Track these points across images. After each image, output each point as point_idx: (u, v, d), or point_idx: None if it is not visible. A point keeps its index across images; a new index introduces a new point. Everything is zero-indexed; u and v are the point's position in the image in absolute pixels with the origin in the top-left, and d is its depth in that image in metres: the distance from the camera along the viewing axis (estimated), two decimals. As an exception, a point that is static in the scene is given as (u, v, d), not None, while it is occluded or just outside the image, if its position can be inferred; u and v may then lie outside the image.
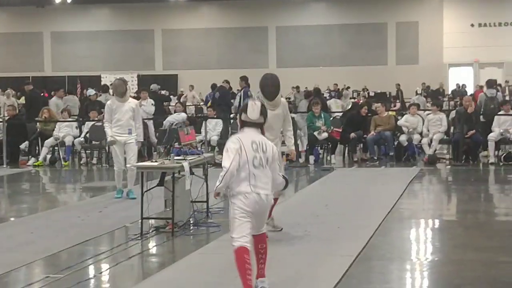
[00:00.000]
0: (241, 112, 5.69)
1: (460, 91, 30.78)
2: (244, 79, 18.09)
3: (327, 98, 25.37)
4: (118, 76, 22.81)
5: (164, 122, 16.46)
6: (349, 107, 20.44)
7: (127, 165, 10.57)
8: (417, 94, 27.85)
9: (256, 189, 5.46)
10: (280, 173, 5.89)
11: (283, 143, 8.27)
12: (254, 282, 5.56)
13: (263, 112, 5.68)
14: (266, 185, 5.54)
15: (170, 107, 22.54)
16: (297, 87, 30.76)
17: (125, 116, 10.45)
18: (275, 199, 7.62)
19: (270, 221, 7.77)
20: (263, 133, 5.70)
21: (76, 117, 18.16)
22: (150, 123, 16.51)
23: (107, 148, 14.94)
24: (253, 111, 5.64)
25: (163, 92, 24.46)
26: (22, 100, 22.26)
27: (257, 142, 5.55)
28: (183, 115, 17.08)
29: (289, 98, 28.71)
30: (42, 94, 20.80)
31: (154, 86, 20.25)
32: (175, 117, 16.61)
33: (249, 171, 5.46)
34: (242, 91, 17.79)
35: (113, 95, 11.41)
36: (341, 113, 18.61)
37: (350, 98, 27.41)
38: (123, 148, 10.58)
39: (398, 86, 31.27)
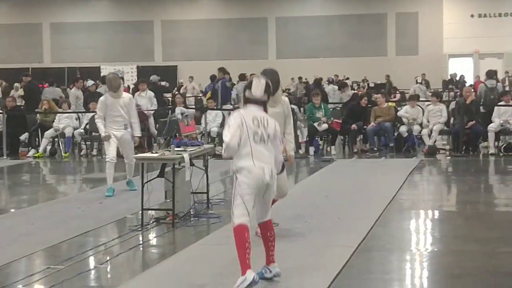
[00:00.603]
0: (245, 89, 5.70)
1: (457, 82, 30.64)
2: (222, 70, 18.48)
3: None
4: (118, 67, 22.84)
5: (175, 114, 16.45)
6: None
7: (125, 161, 10.52)
8: (417, 82, 27.75)
9: (260, 164, 5.47)
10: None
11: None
12: (264, 268, 5.67)
13: (267, 90, 5.68)
14: (269, 159, 5.55)
15: (169, 98, 22.48)
16: (299, 78, 30.68)
17: (120, 112, 10.31)
18: (274, 200, 7.62)
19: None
20: (265, 110, 5.70)
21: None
22: (150, 114, 16.48)
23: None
24: (257, 88, 5.64)
25: (163, 83, 24.40)
26: (21, 91, 22.14)
27: (258, 118, 5.56)
28: (192, 111, 17.09)
29: (289, 89, 28.69)
30: (41, 86, 20.68)
31: (153, 77, 20.19)
32: (185, 110, 16.60)
33: (250, 146, 5.48)
34: (220, 81, 18.15)
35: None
36: (341, 104, 18.61)
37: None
38: (118, 143, 10.38)
39: (387, 77, 31.08)
